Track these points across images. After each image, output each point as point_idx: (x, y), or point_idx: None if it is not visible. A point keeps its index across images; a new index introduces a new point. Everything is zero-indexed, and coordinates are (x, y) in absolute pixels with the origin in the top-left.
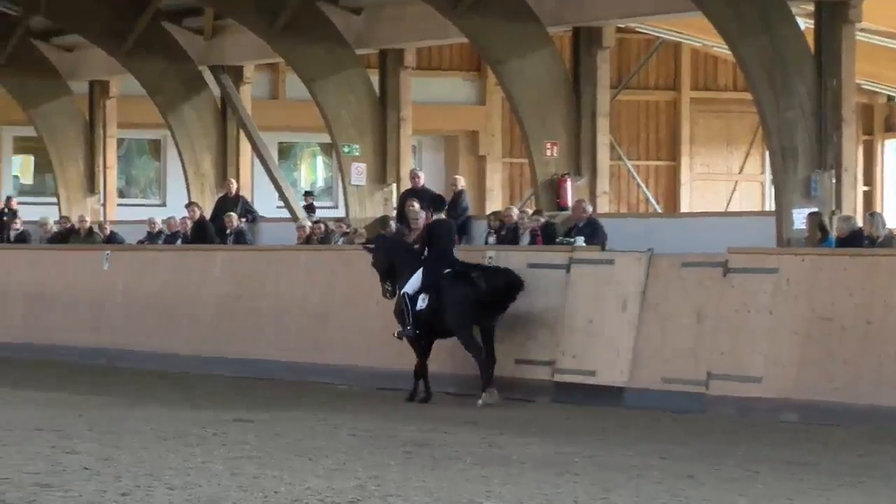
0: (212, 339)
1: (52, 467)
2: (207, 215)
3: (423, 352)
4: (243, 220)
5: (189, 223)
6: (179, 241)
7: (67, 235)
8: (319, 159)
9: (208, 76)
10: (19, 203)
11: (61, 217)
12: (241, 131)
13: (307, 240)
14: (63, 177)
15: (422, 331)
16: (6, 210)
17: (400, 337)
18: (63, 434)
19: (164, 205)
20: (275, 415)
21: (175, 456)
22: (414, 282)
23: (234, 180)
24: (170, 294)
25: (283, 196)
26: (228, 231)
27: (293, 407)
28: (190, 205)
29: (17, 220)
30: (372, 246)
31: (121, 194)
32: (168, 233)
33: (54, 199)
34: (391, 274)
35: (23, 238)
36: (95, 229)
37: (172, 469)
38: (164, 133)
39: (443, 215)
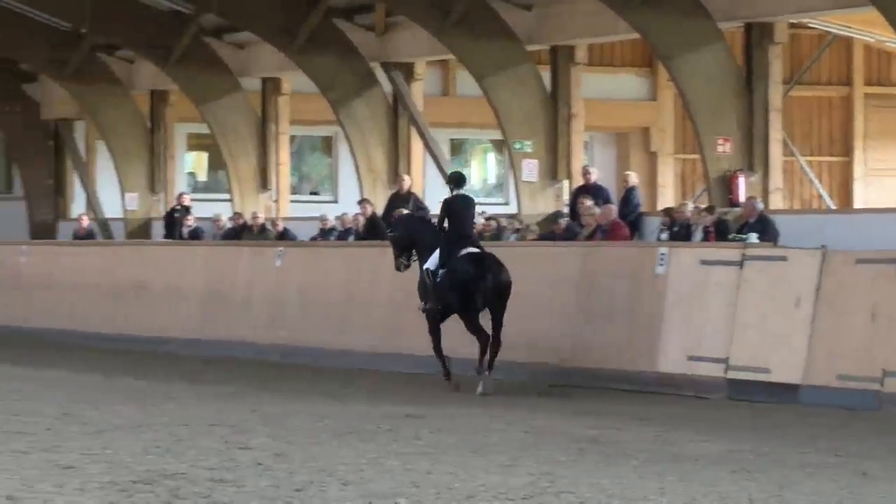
0: (385, 335)
1: (226, 462)
2: (379, 212)
3: (436, 328)
4: None
5: (361, 220)
6: (352, 238)
7: (240, 232)
8: (491, 156)
9: (380, 73)
10: (193, 199)
11: (234, 213)
12: (413, 128)
13: (479, 236)
14: (236, 173)
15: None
16: (179, 207)
17: (424, 311)
18: (237, 429)
19: (336, 201)
20: (448, 410)
21: (348, 451)
22: (435, 257)
23: (406, 176)
24: (343, 291)
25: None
26: None
27: (466, 403)
28: (362, 201)
29: (190, 217)
30: (392, 221)
31: (293, 191)
32: (341, 229)
33: (227, 196)
34: (409, 248)
35: (195, 235)
36: (268, 226)
37: (345, 464)
38: (335, 130)
39: (464, 192)
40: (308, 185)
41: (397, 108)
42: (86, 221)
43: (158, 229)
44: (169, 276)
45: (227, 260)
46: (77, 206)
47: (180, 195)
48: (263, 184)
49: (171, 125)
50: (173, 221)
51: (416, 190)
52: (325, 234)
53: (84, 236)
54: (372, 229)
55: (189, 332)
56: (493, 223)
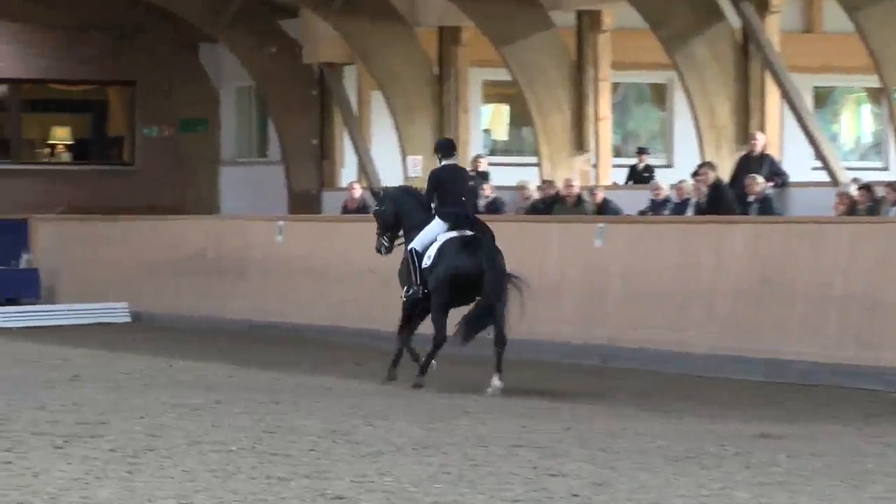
0: (729, 332)
1: (534, 493)
2: (725, 178)
3: (411, 316)
4: (770, 184)
5: (702, 188)
6: (690, 211)
7: (551, 204)
8: (866, 108)
9: (726, 4)
10: (491, 164)
11: (543, 181)
12: (767, 73)
13: (851, 209)
14: (545, 131)
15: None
16: (474, 173)
17: (404, 299)
18: (547, 452)
19: (670, 165)
20: (811, 429)
21: (687, 480)
22: (423, 237)
23: (759, 134)
24: (678, 277)
25: (819, 154)
26: (751, 198)
27: (834, 419)
28: (703, 165)
29: (488, 186)
30: (378, 192)
31: (616, 152)
32: (676, 200)
33: (534, 159)
34: (395, 227)
35: (495, 207)
36: (585, 196)
37: (683, 497)
38: (669, 75)
39: (454, 161)
40: (634, 144)
41: (747, 47)
42: (358, 191)
43: None
44: None
45: (533, 239)
46: (347, 173)
47: (475, 158)
48: (579, 144)
49: (463, 71)
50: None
51: (772, 151)
52: (656, 206)
53: (355, 209)
54: (716, 200)
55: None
56: (868, 193)
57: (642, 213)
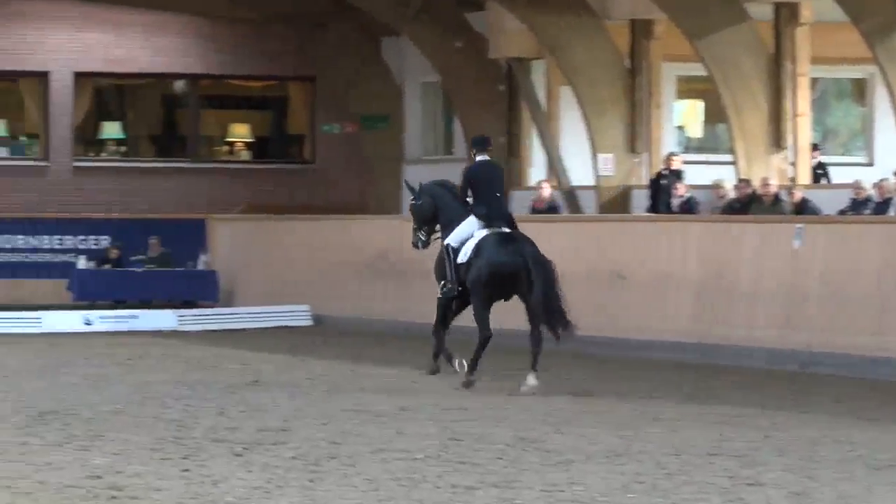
0: None
1: (731, 503)
2: None
3: (446, 314)
4: None
5: None
6: (892, 211)
7: (747, 204)
8: None
9: None
10: (685, 162)
11: (739, 180)
12: None
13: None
14: (741, 128)
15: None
16: (667, 171)
17: (442, 295)
18: (745, 460)
19: (871, 164)
20: None
21: (889, 490)
22: (459, 232)
23: None
24: (880, 279)
25: None
26: None
27: None
28: None
29: (682, 185)
30: (414, 187)
31: (816, 150)
32: (878, 199)
33: (729, 157)
34: (432, 221)
35: (689, 207)
36: (783, 195)
37: None
38: (870, 70)
39: (488, 156)
40: (834, 141)
41: None
42: (547, 191)
43: (640, 200)
44: (654, 260)
45: (729, 240)
46: (535, 171)
47: (669, 156)
48: (777, 141)
49: (656, 65)
50: (660, 190)
51: None
52: (857, 205)
53: (545, 210)
54: None
55: (678, 333)
56: None
57: (842, 212)
